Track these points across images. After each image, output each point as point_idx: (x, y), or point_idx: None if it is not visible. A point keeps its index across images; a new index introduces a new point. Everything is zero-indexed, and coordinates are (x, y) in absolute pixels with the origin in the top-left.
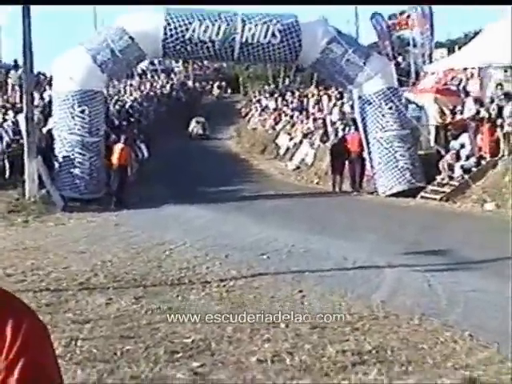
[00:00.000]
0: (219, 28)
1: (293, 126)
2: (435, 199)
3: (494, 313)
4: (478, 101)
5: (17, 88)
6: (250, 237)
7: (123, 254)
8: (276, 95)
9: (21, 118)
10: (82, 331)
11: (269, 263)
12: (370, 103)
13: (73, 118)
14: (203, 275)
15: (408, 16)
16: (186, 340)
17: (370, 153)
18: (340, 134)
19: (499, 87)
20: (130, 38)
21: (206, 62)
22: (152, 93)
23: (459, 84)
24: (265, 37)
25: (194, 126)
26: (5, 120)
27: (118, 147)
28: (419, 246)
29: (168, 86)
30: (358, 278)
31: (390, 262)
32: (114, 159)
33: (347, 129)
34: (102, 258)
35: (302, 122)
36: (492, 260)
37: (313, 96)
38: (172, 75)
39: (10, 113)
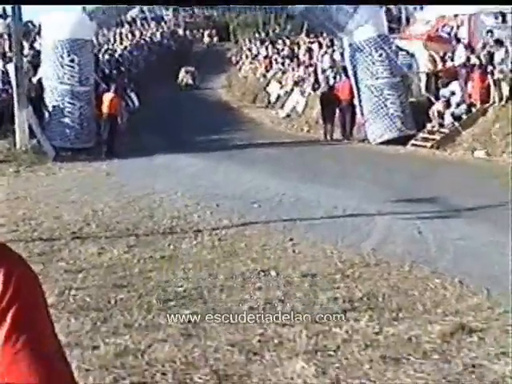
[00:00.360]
0: None
1: (284, 73)
2: (425, 147)
3: (484, 259)
4: (469, 48)
5: (5, 37)
6: (240, 185)
7: (114, 204)
8: (267, 43)
9: (10, 67)
10: (75, 280)
11: (260, 212)
12: (361, 50)
13: (62, 67)
14: (195, 224)
15: None
16: (179, 288)
17: (360, 101)
18: (331, 81)
19: (490, 34)
20: None
21: (196, 11)
22: (142, 41)
23: (450, 31)
24: None
25: (183, 76)
26: None
27: (107, 96)
28: (409, 193)
29: (158, 34)
30: (348, 226)
31: (380, 209)
32: (104, 108)
33: (338, 77)
34: (94, 208)
35: (292, 69)
36: (482, 207)
37: (304, 43)
38: (162, 23)
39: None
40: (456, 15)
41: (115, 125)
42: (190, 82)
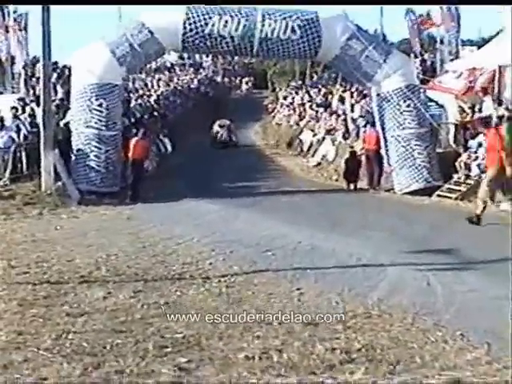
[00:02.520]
0: (239, 23)
1: (317, 122)
2: (451, 198)
3: (489, 313)
4: (497, 100)
5: (34, 80)
6: (258, 233)
7: (129, 248)
8: (302, 91)
9: (38, 110)
10: (75, 324)
11: (272, 260)
12: (389, 101)
13: (90, 111)
14: (205, 270)
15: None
16: (177, 335)
17: (387, 150)
18: (362, 130)
19: None
20: (150, 32)
21: (236, 58)
22: (180, 87)
23: (479, 82)
24: (284, 32)
25: (216, 131)
26: (23, 112)
27: (133, 141)
28: (426, 244)
29: (196, 81)
30: (359, 276)
31: (394, 260)
32: (130, 153)
33: (367, 127)
34: (108, 252)
35: (325, 118)
36: (497, 260)
37: (336, 92)
38: (201, 70)
39: (33, 105)
40: (485, 67)
41: (141, 170)
42: (226, 137)
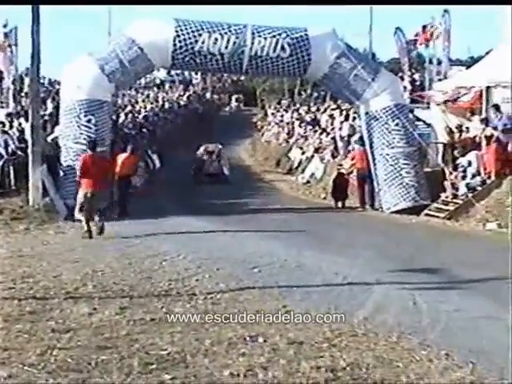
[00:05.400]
0: (228, 40)
1: (306, 139)
2: (439, 217)
3: (475, 332)
4: (484, 120)
5: (23, 95)
6: (245, 250)
7: (116, 264)
8: (291, 109)
9: (27, 126)
10: (60, 340)
11: (258, 277)
12: (377, 119)
13: (79, 127)
14: (191, 287)
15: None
16: (162, 352)
17: (375, 169)
18: (351, 147)
19: (495, 107)
20: (140, 48)
21: (225, 75)
22: (169, 103)
23: (465, 98)
24: (274, 50)
25: (201, 158)
26: (11, 127)
27: (121, 157)
28: (412, 263)
29: (185, 97)
30: (344, 294)
31: (380, 279)
32: (117, 169)
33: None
34: (95, 268)
35: (314, 136)
36: (483, 279)
37: (325, 111)
38: (190, 87)
39: (22, 120)
40: (472, 87)
41: (128, 186)
42: (215, 169)
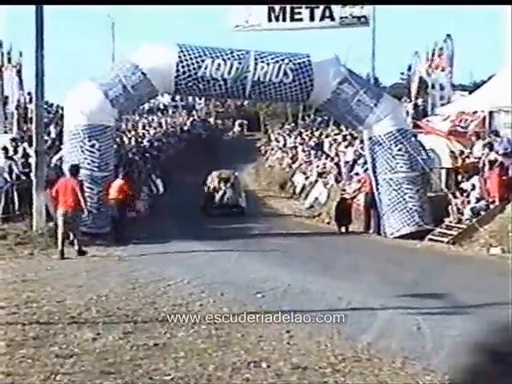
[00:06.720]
0: (231, 66)
1: (309, 164)
2: (442, 242)
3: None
4: (488, 144)
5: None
6: (248, 275)
7: (120, 289)
8: (294, 134)
9: (31, 151)
10: (64, 365)
11: (262, 302)
12: (380, 144)
13: (82, 152)
14: (195, 312)
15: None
16: (166, 377)
17: (379, 194)
18: (354, 172)
19: (495, 133)
20: (143, 73)
21: (228, 100)
22: (172, 128)
23: (469, 127)
24: (277, 76)
25: (214, 187)
26: (16, 152)
27: (117, 182)
28: (416, 288)
29: (188, 122)
30: (348, 320)
31: (384, 304)
32: (111, 194)
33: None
34: (99, 293)
35: (318, 160)
36: (487, 304)
37: (327, 136)
38: (193, 112)
39: (26, 145)
40: (475, 112)
41: (123, 212)
42: (231, 199)
